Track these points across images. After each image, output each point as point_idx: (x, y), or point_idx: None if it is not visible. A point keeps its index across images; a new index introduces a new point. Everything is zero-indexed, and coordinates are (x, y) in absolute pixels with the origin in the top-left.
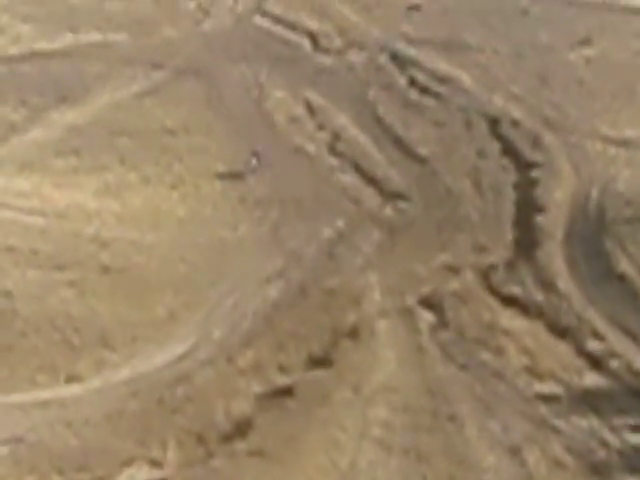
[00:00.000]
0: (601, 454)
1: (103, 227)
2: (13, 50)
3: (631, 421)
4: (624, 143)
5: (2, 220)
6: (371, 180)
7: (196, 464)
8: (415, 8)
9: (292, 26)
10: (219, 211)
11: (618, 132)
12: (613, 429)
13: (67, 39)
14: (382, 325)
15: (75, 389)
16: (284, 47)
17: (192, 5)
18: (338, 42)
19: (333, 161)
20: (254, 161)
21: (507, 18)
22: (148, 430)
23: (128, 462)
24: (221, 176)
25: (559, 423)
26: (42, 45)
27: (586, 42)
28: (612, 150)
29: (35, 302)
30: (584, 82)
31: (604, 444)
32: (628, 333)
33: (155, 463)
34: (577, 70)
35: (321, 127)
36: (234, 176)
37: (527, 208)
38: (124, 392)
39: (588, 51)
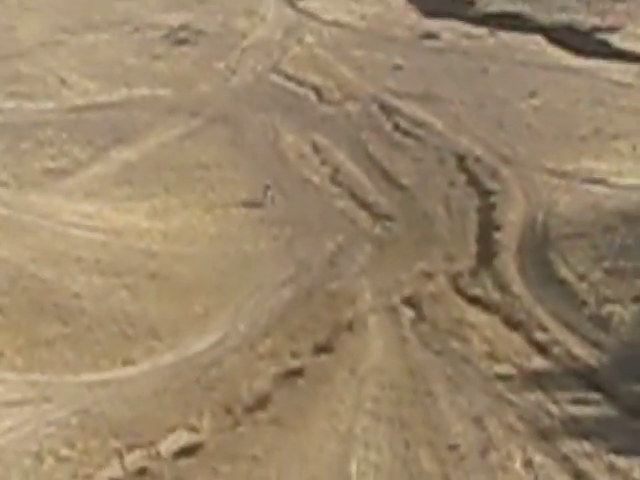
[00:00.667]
0: (546, 421)
1: (151, 242)
2: (80, 102)
3: (570, 396)
4: (564, 175)
5: (72, 236)
6: (364, 204)
7: (225, 430)
8: (398, 68)
9: (301, 82)
10: (243, 230)
11: (559, 166)
12: (556, 402)
13: (123, 93)
14: (373, 320)
15: (129, 371)
16: (294, 99)
17: (222, 65)
18: (337, 95)
19: (334, 189)
20: (270, 192)
21: (471, 76)
22: (187, 404)
23: (171, 429)
24: (244, 202)
25: (513, 397)
26: (103, 98)
27: (534, 94)
28: (554, 180)
29: (98, 302)
30: (532, 126)
31: (548, 414)
32: (567, 326)
33: (193, 430)
34: (526, 117)
35: (324, 162)
36: (255, 203)
37: (487, 227)
38: (168, 373)
39: (535, 102)
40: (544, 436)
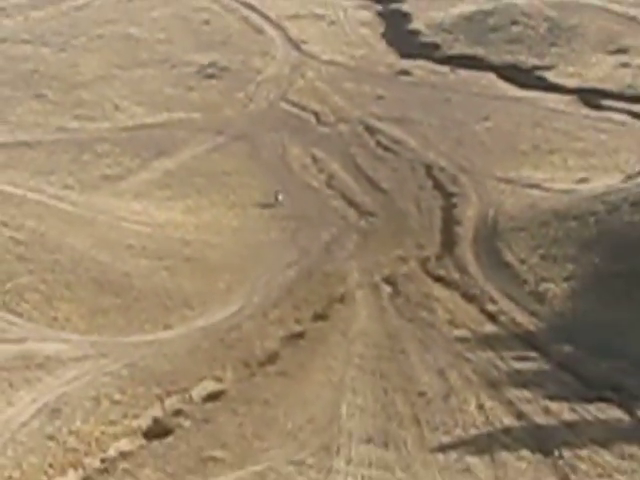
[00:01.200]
0: (495, 374)
1: (186, 233)
2: (130, 123)
3: (513, 354)
4: (509, 181)
5: (124, 228)
6: (352, 203)
7: (243, 380)
8: (380, 97)
9: (303, 108)
10: (257, 224)
11: (505, 174)
12: (502, 358)
13: (163, 116)
14: (359, 294)
15: (168, 334)
16: (298, 121)
17: (241, 95)
18: (332, 118)
19: (329, 192)
20: (279, 196)
21: (437, 104)
22: (213, 359)
23: (201, 379)
24: (259, 202)
25: (469, 355)
26: (148, 119)
27: (486, 119)
28: (502, 186)
29: (144, 279)
30: (484, 143)
31: (497, 368)
32: (511, 299)
33: (218, 380)
34: (480, 136)
35: (321, 171)
36: (267, 203)
37: (449, 222)
38: (198, 335)
39: (487, 124)
40: (493, 385)
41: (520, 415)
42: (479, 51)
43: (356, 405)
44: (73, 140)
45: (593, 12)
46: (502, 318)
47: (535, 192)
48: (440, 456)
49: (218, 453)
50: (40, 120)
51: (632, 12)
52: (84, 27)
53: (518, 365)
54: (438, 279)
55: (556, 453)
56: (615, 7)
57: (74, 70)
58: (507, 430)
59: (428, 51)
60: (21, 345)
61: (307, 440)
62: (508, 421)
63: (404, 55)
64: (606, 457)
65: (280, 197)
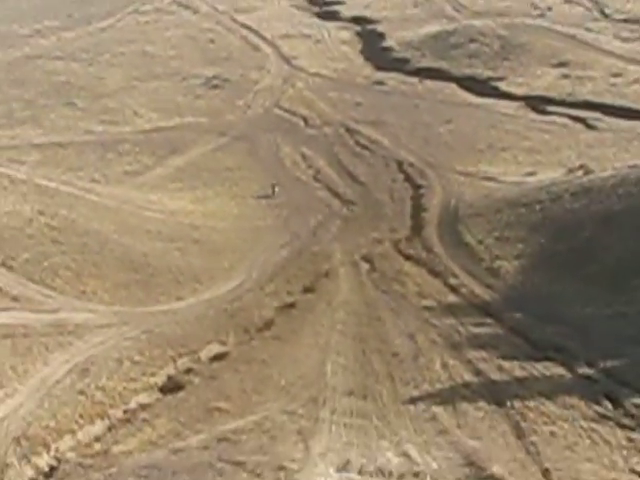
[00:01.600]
0: (457, 337)
1: (194, 219)
2: (147, 126)
3: (472, 320)
4: (468, 175)
5: (142, 215)
6: (336, 194)
7: (244, 344)
8: (358, 104)
9: (293, 113)
10: (256, 212)
11: (465, 169)
12: (463, 325)
13: (176, 120)
14: (342, 270)
15: (180, 304)
16: (289, 124)
17: (241, 102)
18: (318, 122)
19: (316, 184)
20: (276, 189)
21: (407, 109)
22: (218, 326)
23: (208, 342)
24: (257, 193)
25: (435, 321)
26: (162, 124)
27: (449, 122)
28: (462, 179)
29: (159, 258)
30: (447, 143)
31: (458, 332)
32: (471, 274)
33: (222, 343)
34: (444, 137)
35: (309, 166)
36: (264, 194)
37: (417, 209)
38: (206, 306)
39: (449, 127)
40: (455, 347)
41: (478, 372)
42: (442, 65)
43: (339, 364)
44: (99, 141)
45: (539, 32)
46: (462, 290)
47: (490, 184)
48: (411, 407)
49: (222, 405)
50: (70, 124)
51: (572, 31)
52: (108, 46)
53: (476, 330)
54: (408, 257)
55: (508, 404)
56: (557, 27)
57: (99, 82)
58: (467, 385)
59: (399, 65)
60: (55, 315)
61: (298, 394)
62: (468, 377)
63: (379, 68)
64: (550, 407)
65: (276, 189)
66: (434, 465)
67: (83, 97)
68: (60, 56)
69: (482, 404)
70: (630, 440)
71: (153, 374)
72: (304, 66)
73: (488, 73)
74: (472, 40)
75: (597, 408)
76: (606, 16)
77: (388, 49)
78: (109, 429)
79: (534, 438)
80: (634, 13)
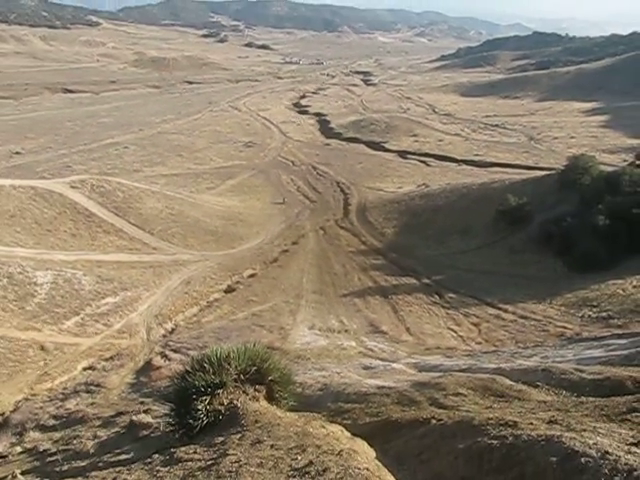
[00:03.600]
0: (365, 265)
1: (240, 210)
2: (216, 165)
3: (372, 257)
4: (370, 188)
5: (213, 209)
6: (307, 198)
7: (264, 269)
8: (317, 155)
9: (287, 159)
10: (269, 207)
11: (369, 185)
12: (367, 259)
13: (230, 163)
14: (310, 234)
15: (233, 250)
16: (285, 165)
17: (262, 154)
18: (298, 163)
19: (298, 194)
20: (285, 199)
21: (342, 157)
22: (251, 261)
23: (247, 268)
24: (272, 200)
25: (355, 258)
26: (224, 164)
27: (361, 162)
28: (367, 190)
29: (223, 228)
30: (360, 173)
31: (365, 263)
32: (371, 235)
33: (253, 269)
34: (359, 170)
35: (295, 185)
36: (276, 201)
37: (346, 205)
38: (245, 251)
39: (361, 165)
40: (364, 270)
41: (375, 282)
42: (358, 135)
43: (309, 278)
44: (193, 173)
45: (403, 120)
46: (367, 243)
47: (380, 192)
48: (343, 299)
49: (254, 298)
50: (180, 165)
51: (419, 119)
52: (197, 127)
53: (374, 261)
54: (342, 228)
55: (389, 297)
56: (412, 117)
57: (193, 145)
58: (370, 288)
59: (337, 135)
60: (173, 256)
61: (289, 293)
62: (370, 284)
63: (327, 137)
64: (409, 298)
65: (285, 200)
66: (354, 326)
67: (185, 151)
68: (174, 132)
69: (377, 297)
70: (448, 314)
71: (221, 284)
72: (292, 137)
73: (379, 139)
74: (372, 124)
75: (432, 298)
76: (435, 112)
77: (332, 128)
78: (200, 310)
79: (402, 313)
80: (448, 110)
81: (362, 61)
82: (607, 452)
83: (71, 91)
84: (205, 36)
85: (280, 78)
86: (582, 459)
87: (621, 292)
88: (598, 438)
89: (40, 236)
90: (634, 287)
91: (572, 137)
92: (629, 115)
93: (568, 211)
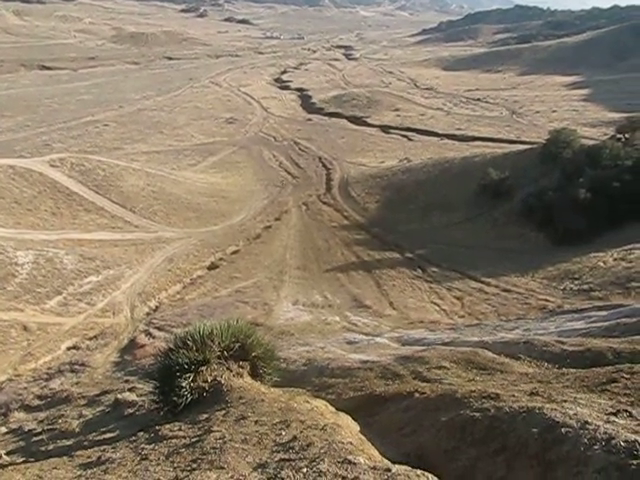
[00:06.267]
0: (347, 240)
1: (222, 186)
2: (198, 142)
3: (355, 232)
4: (352, 163)
5: (195, 185)
6: (290, 174)
7: (247, 245)
8: (299, 130)
9: (269, 135)
10: (252, 182)
11: (351, 160)
12: (350, 234)
13: (212, 139)
14: (293, 210)
15: (216, 227)
16: (267, 140)
17: (243, 130)
18: (280, 138)
19: (280, 169)
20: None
21: (324, 132)
22: (234, 237)
23: (229, 245)
24: (252, 174)
25: (337, 233)
26: (206, 141)
27: (343, 137)
28: (350, 165)
29: (205, 205)
30: (343, 148)
31: (348, 238)
32: (354, 210)
33: (236, 245)
34: (341, 145)
35: (277, 160)
36: (256, 175)
37: (329, 180)
38: (227, 228)
39: (344, 140)
40: (347, 245)
41: (358, 257)
42: (339, 110)
43: (292, 254)
44: (174, 150)
45: (385, 94)
46: (350, 218)
47: (363, 167)
48: (326, 274)
49: (237, 275)
50: (161, 142)
51: (401, 94)
52: (178, 103)
53: (357, 236)
54: (324, 203)
55: (373, 271)
56: (394, 92)
57: (174, 121)
58: (353, 263)
59: (319, 110)
60: (156, 234)
61: (273, 269)
62: (353, 259)
63: (309, 112)
64: (392, 273)
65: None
66: (338, 301)
67: (167, 128)
68: (155, 109)
69: (360, 272)
70: (431, 288)
71: (204, 261)
72: (273, 112)
73: (361, 114)
74: (353, 98)
75: (415, 273)
76: (417, 87)
77: (313, 103)
78: (183, 288)
79: (385, 287)
80: (430, 85)
81: (343, 35)
82: (587, 422)
83: (48, 68)
84: (184, 11)
85: (261, 53)
86: (562, 429)
87: (602, 265)
88: (578, 409)
89: (20, 216)
90: (615, 260)
91: (554, 111)
92: (610, 89)
93: (550, 185)
